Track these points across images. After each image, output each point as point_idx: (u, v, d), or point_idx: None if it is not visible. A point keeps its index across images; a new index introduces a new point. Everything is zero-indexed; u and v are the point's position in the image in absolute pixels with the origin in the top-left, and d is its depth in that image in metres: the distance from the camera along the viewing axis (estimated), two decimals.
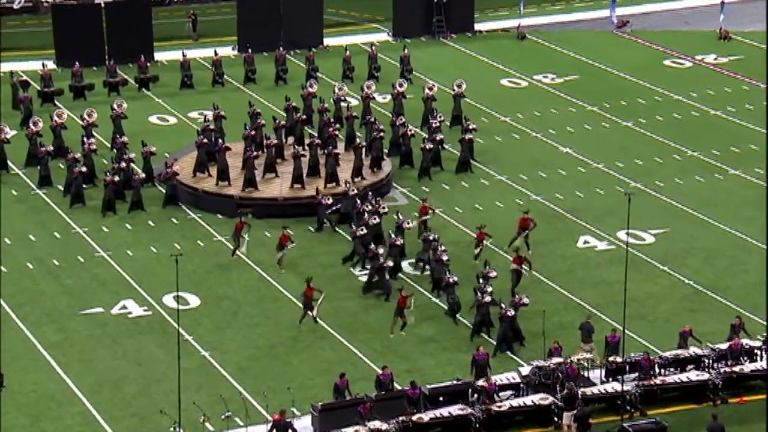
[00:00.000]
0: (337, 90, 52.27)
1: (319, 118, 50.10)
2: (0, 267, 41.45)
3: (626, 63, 60.32)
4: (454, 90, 52.72)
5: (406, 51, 58.31)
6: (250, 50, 58.47)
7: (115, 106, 50.51)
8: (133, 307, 39.24)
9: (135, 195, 45.46)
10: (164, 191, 46.20)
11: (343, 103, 51.73)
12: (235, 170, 46.22)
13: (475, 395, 33.58)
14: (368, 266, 40.67)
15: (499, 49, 62.42)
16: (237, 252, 42.04)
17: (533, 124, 53.46)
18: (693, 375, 34.70)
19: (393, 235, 41.14)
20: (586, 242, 43.48)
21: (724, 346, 35.52)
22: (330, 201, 43.92)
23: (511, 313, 36.55)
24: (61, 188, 46.72)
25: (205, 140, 47.10)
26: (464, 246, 42.59)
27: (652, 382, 34.29)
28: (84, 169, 46.16)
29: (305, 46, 60.25)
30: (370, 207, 42.74)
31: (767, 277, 39.95)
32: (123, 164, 46.47)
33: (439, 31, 63.99)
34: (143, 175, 46.76)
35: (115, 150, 48.36)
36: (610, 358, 34.88)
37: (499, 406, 33.27)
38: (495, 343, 36.73)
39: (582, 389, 33.63)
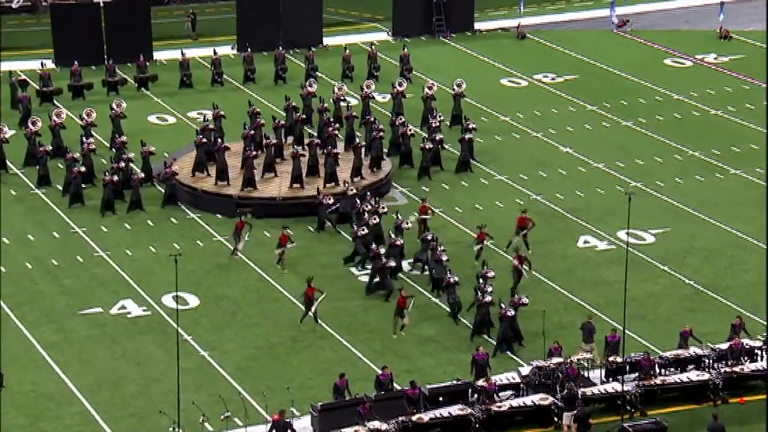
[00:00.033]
0: (336, 89, 52.20)
1: (319, 118, 50.01)
2: None
3: (626, 62, 60.26)
4: (453, 89, 52.65)
5: (405, 50, 58.25)
6: (249, 49, 58.41)
7: (114, 105, 50.44)
8: (132, 307, 39.18)
9: (134, 195, 45.39)
10: (163, 191, 46.12)
11: (342, 103, 51.65)
12: (234, 170, 46.15)
13: (475, 395, 33.51)
14: (368, 266, 40.64)
15: (499, 49, 62.36)
16: (236, 251, 41.95)
17: (533, 124, 53.39)
18: (693, 375, 34.64)
19: (393, 235, 41.06)
20: (586, 242, 43.41)
21: (725, 346, 35.44)
22: (331, 201, 43.84)
23: (511, 313, 36.50)
24: (60, 188, 46.66)
25: (204, 140, 47.02)
26: (464, 246, 42.51)
27: (652, 382, 34.22)
28: (83, 168, 46.09)
29: (305, 46, 60.19)
30: (369, 207, 42.65)
31: (767, 277, 39.86)
32: (122, 164, 46.40)
33: (439, 30, 63.93)
34: (142, 175, 46.70)
35: (114, 150, 48.29)
36: (610, 358, 34.81)
37: (499, 407, 33.21)
38: (495, 343, 36.65)
39: (582, 389, 33.57)
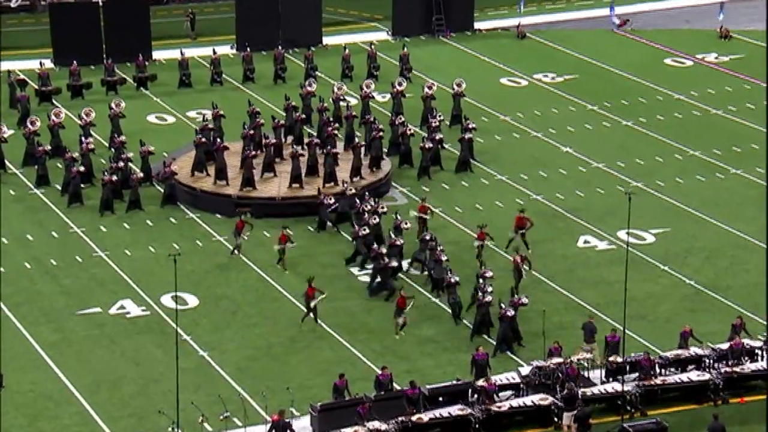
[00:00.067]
0: (336, 89, 52.11)
1: (319, 118, 49.92)
2: None
3: (627, 62, 60.18)
4: (453, 89, 52.56)
5: (405, 50, 58.15)
6: (248, 49, 58.31)
7: (113, 105, 50.35)
8: (132, 307, 39.10)
9: (133, 194, 45.31)
10: (162, 191, 46.03)
11: (342, 103, 51.57)
12: (233, 169, 46.06)
13: (475, 395, 33.42)
14: (368, 267, 40.58)
15: (499, 48, 62.28)
16: (236, 250, 41.88)
17: (533, 124, 53.31)
18: (694, 375, 34.57)
19: (393, 235, 40.95)
20: (586, 242, 43.33)
21: (725, 346, 35.36)
22: (332, 201, 43.75)
23: (510, 313, 36.43)
24: (59, 188, 46.57)
25: (204, 139, 46.94)
26: (464, 246, 42.42)
27: (652, 382, 34.14)
28: (82, 168, 46.00)
29: (304, 45, 60.12)
30: (369, 207, 42.55)
31: (767, 277, 39.77)
32: (121, 164, 46.33)
33: (439, 29, 63.84)
34: (141, 175, 46.61)
35: (113, 149, 48.18)
36: (611, 358, 34.74)
37: (499, 407, 33.14)
38: (495, 343, 36.57)
39: (582, 389, 33.49)
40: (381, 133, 47.74)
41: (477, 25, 64.99)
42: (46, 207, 45.81)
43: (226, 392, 34.09)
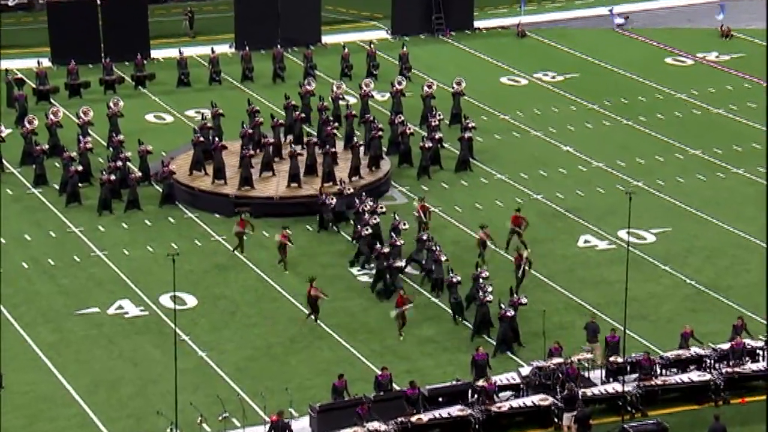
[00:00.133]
0: (335, 88, 51.97)
1: (319, 117, 49.78)
2: None
3: (627, 61, 60.07)
4: (453, 88, 52.44)
5: (405, 49, 58.02)
6: (247, 48, 58.18)
7: (111, 104, 50.21)
8: (130, 307, 38.98)
9: (131, 194, 45.20)
10: (161, 190, 45.89)
11: (342, 102, 51.43)
12: (232, 169, 45.92)
13: (475, 396, 33.30)
14: (368, 267, 40.43)
15: (499, 47, 62.17)
16: (237, 249, 41.75)
17: (533, 123, 53.18)
18: (694, 375, 34.46)
19: (394, 235, 40.80)
20: (586, 241, 43.21)
21: (726, 346, 35.23)
22: (333, 201, 43.61)
23: (510, 313, 36.32)
24: (57, 187, 46.45)
25: (202, 138, 46.80)
26: (464, 246, 42.28)
27: (653, 383, 34.03)
28: (80, 167, 45.88)
29: (303, 44, 60.02)
30: (368, 207, 42.40)
31: (767, 277, 39.64)
32: (119, 163, 46.20)
33: (439, 28, 63.72)
34: (140, 174, 46.49)
35: (111, 148, 48.06)
36: (611, 359, 34.61)
37: (499, 407, 33.03)
38: (495, 343, 36.43)
39: (582, 390, 33.37)
40: (380, 133, 47.60)
41: (477, 24, 64.88)
42: (44, 206, 45.68)
43: (225, 393, 33.97)
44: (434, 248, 39.70)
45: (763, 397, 34.06)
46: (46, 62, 57.10)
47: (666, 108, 54.65)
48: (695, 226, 44.32)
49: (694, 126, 52.94)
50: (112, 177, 45.25)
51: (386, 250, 39.56)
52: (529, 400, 33.45)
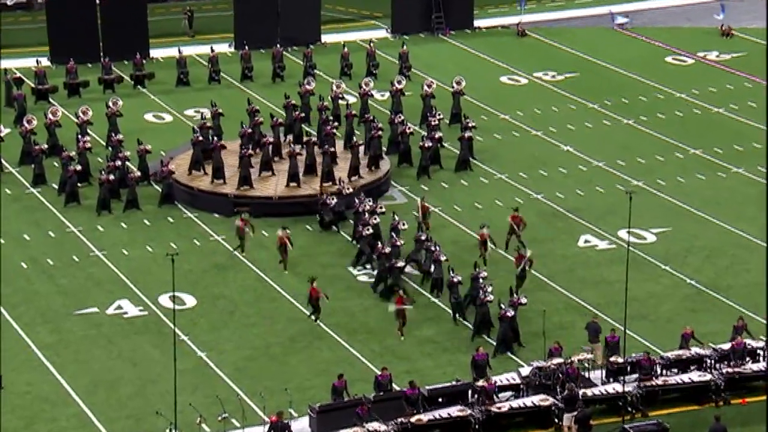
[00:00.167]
0: (335, 87, 51.89)
1: (318, 116, 49.69)
2: None
3: (628, 60, 59.98)
4: (453, 87, 52.35)
5: (404, 48, 57.93)
6: (246, 47, 58.08)
7: (110, 103, 50.10)
8: (129, 307, 38.90)
9: (130, 194, 45.11)
10: (160, 190, 45.79)
11: (341, 101, 51.34)
12: (231, 168, 45.83)
13: (475, 396, 33.22)
14: (367, 267, 40.34)
15: (499, 46, 62.08)
16: (239, 249, 41.64)
17: (533, 122, 53.10)
18: (695, 376, 34.39)
19: (394, 236, 40.70)
20: (586, 241, 43.13)
21: (727, 346, 35.14)
22: (334, 201, 43.51)
23: (510, 313, 36.24)
24: (56, 187, 46.37)
25: (201, 138, 46.71)
26: (464, 245, 42.20)
27: (653, 383, 33.95)
28: (79, 167, 45.81)
29: (303, 43, 59.93)
30: (368, 206, 42.31)
31: (767, 277, 39.56)
32: (118, 162, 46.11)
33: (438, 27, 63.63)
34: (139, 174, 46.40)
35: (110, 148, 47.97)
36: (611, 359, 34.53)
37: (499, 408, 32.95)
38: (495, 343, 36.35)
39: (583, 390, 33.29)
40: (380, 132, 47.51)
41: (477, 23, 64.78)
42: (42, 206, 45.60)
43: (224, 393, 33.90)
44: (433, 248, 39.61)
45: (764, 398, 33.99)
46: (44, 61, 57.02)
47: (666, 107, 54.56)
48: (695, 225, 44.24)
49: (695, 125, 52.85)
50: (111, 177, 45.16)
51: (387, 250, 39.47)
52: (529, 401, 33.38)
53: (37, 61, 55.80)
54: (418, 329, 37.64)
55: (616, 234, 43.06)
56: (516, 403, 33.30)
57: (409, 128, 48.73)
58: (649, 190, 46.60)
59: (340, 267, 41.21)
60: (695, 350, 35.10)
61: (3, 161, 48.48)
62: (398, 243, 40.42)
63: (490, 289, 37.15)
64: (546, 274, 40.57)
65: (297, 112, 49.65)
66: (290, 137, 48.36)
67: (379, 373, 33.95)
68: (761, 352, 35.17)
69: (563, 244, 42.81)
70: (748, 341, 35.26)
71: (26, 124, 48.46)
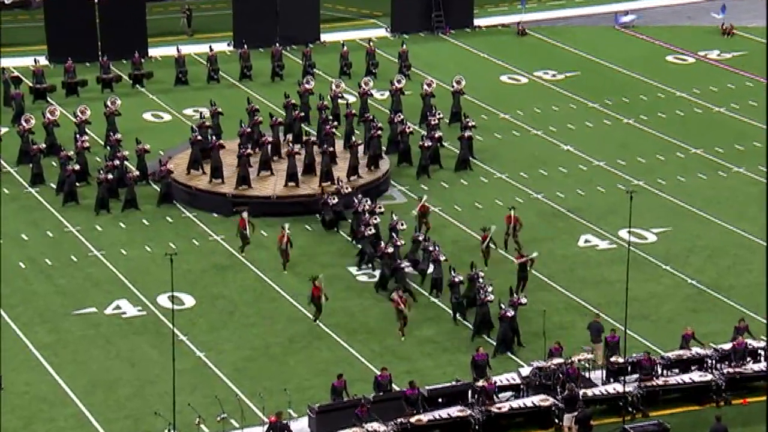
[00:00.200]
0: (334, 87, 51.76)
1: (318, 116, 49.57)
2: None
3: (628, 59, 59.88)
4: (453, 86, 52.24)
5: (404, 47, 57.82)
6: (245, 46, 57.98)
7: (108, 103, 49.97)
8: (127, 307, 38.79)
9: (129, 193, 45.00)
10: (159, 189, 45.66)
11: (341, 101, 51.22)
12: (230, 168, 45.71)
13: (475, 396, 33.11)
14: (367, 266, 40.24)
15: (499, 45, 61.98)
16: (244, 247, 41.46)
17: (533, 122, 52.99)
18: (696, 376, 34.29)
19: (394, 236, 40.56)
20: (587, 241, 43.03)
21: (728, 346, 35.03)
22: (335, 200, 43.37)
23: (510, 313, 36.13)
24: (54, 186, 46.24)
25: (199, 137, 46.59)
26: (463, 245, 42.08)
27: (654, 383, 33.85)
28: (77, 167, 45.69)
29: (302, 42, 59.82)
30: (367, 206, 42.19)
31: (767, 277, 39.44)
32: (117, 162, 45.99)
33: (438, 26, 63.53)
34: (137, 173, 46.28)
35: (108, 147, 47.84)
36: (611, 359, 34.42)
37: (499, 408, 32.84)
38: (495, 343, 36.24)
39: (583, 390, 33.19)
40: (380, 132, 47.39)
41: (477, 22, 64.70)
42: (40, 206, 45.48)
43: (223, 393, 33.82)
44: (431, 248, 39.47)
45: (765, 398, 33.91)
46: (43, 60, 56.89)
47: (667, 106, 54.45)
48: (696, 225, 44.12)
49: (696, 125, 52.74)
50: (110, 176, 45.06)
51: (390, 250, 39.35)
52: (529, 401, 33.29)
53: (35, 60, 55.66)
54: (418, 329, 37.53)
55: (616, 234, 42.94)
56: (516, 404, 33.22)
57: (408, 128, 48.62)
58: (650, 190, 46.49)
59: (340, 267, 41.09)
60: (696, 350, 34.98)
61: (1, 161, 48.36)
62: (399, 243, 40.31)
63: (490, 289, 37.04)
64: (546, 274, 40.46)
65: (296, 112, 49.55)
66: (290, 137, 48.20)
67: (379, 373, 33.84)
68: (762, 352, 35.06)
69: (564, 244, 42.69)
70: (749, 341, 35.15)
71: (24, 124, 48.33)
